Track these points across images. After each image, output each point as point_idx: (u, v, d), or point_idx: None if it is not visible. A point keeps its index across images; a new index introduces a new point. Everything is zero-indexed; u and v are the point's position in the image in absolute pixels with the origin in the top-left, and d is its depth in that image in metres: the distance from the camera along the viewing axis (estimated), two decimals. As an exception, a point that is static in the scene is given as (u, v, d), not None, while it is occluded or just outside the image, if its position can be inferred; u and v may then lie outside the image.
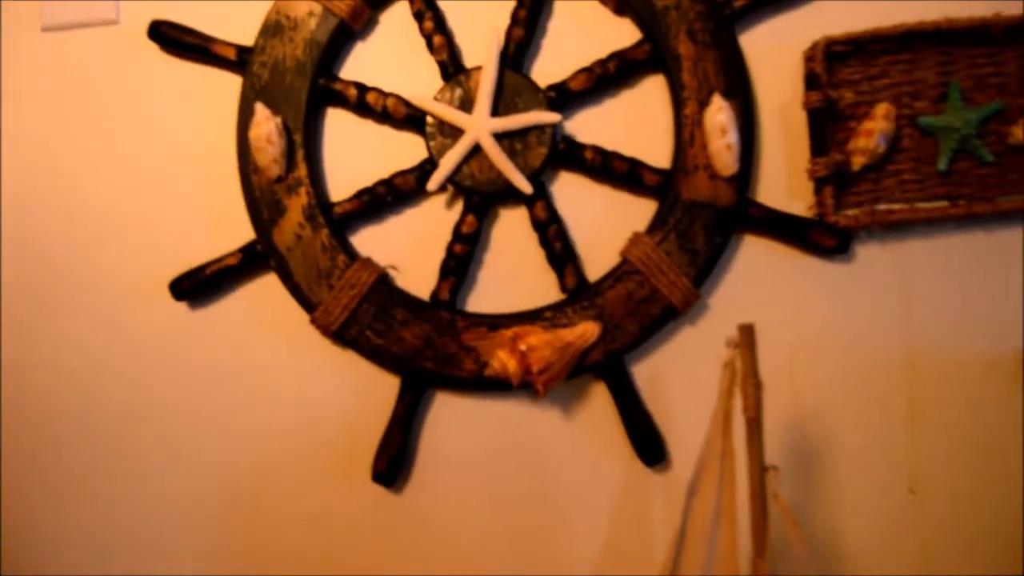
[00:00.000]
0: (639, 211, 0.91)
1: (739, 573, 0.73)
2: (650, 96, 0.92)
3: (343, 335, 0.90)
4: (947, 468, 0.94)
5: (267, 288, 0.93)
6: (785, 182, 0.92)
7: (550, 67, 0.92)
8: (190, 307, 0.95)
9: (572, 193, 0.92)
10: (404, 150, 0.92)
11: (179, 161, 0.96)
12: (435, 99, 0.90)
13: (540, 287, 0.91)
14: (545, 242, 0.89)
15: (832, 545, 0.94)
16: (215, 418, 0.94)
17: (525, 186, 0.88)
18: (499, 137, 0.88)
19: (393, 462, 0.91)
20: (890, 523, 0.94)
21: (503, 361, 0.85)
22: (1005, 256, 0.91)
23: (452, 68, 0.90)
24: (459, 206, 0.92)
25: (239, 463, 0.94)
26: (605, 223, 0.91)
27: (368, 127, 0.94)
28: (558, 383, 0.87)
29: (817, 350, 0.92)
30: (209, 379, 0.94)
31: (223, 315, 0.94)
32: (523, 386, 0.87)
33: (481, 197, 0.90)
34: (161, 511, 0.95)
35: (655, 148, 0.91)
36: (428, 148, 0.90)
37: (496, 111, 0.89)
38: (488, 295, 0.92)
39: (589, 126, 0.92)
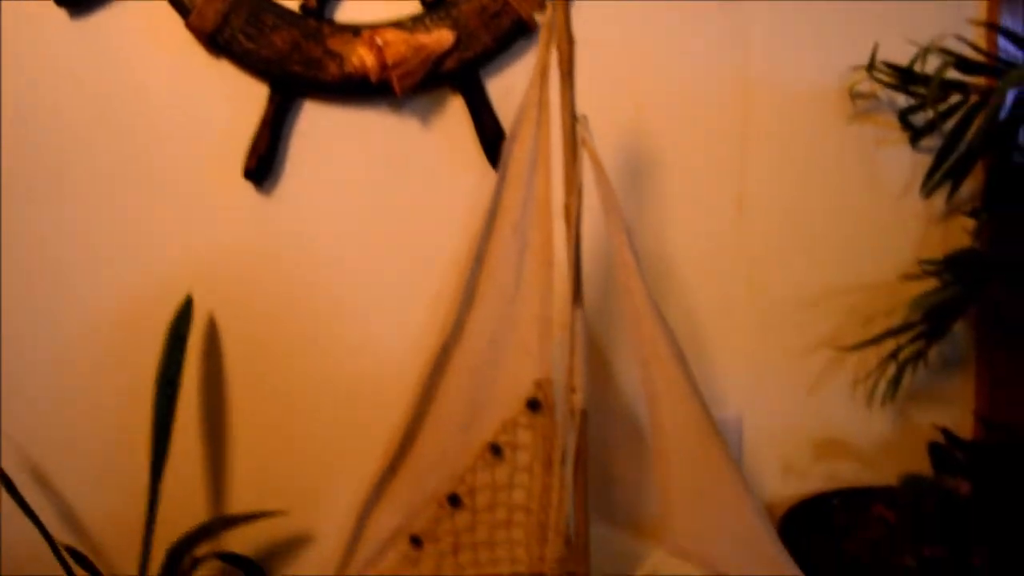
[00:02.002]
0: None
1: (551, 215, 0.81)
2: None
3: (216, 39, 0.96)
4: (774, 190, 1.03)
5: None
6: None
7: None
8: (71, 16, 0.99)
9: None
10: None
11: None
12: None
13: (407, 5, 0.98)
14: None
15: (660, 258, 1.03)
16: (94, 122, 1.00)
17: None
18: None
19: (263, 160, 0.98)
20: (717, 240, 1.03)
21: (361, 56, 0.93)
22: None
23: None
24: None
25: (121, 162, 1.01)
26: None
27: None
28: (413, 82, 0.94)
29: (658, 74, 1.01)
30: (89, 87, 1.00)
31: (104, 24, 0.99)
32: (382, 89, 0.94)
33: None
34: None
35: None
36: None
37: None
38: (355, 8, 0.99)
39: None
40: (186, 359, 0.99)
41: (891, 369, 0.99)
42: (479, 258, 0.81)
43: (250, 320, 1.03)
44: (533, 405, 0.84)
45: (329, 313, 1.03)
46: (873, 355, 1.03)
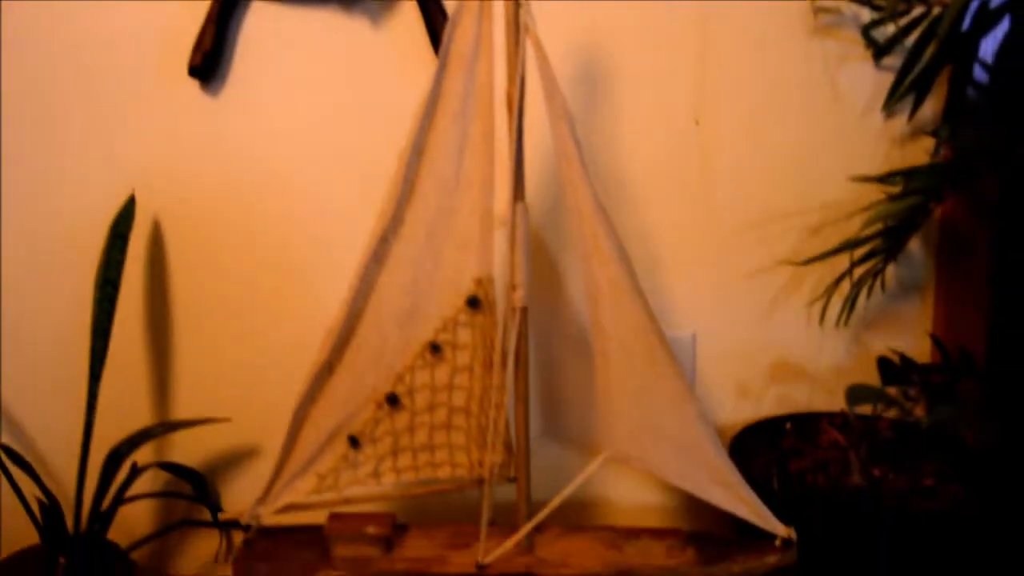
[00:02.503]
0: None
1: (493, 106, 0.79)
2: None
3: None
4: (733, 106, 1.01)
5: None
6: None
7: None
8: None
9: None
10: None
11: None
12: None
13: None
14: None
15: (614, 174, 1.01)
16: (32, 19, 0.98)
17: None
18: None
19: (208, 57, 0.95)
20: (674, 156, 1.01)
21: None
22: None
23: None
24: None
25: (62, 60, 0.98)
26: None
27: None
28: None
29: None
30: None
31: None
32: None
33: None
34: None
35: None
36: None
37: None
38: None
39: None
40: (131, 265, 0.98)
41: (846, 288, 0.98)
42: (418, 148, 0.79)
43: (197, 224, 1.01)
44: (473, 303, 0.82)
45: (279, 216, 1.01)
46: (831, 278, 1.01)
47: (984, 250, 1.03)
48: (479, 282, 0.82)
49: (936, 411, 0.81)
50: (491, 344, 0.83)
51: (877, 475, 0.93)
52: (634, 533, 0.88)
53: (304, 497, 0.86)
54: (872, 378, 0.99)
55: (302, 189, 1.00)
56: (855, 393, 0.83)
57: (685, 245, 1.03)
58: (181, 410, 1.04)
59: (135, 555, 0.97)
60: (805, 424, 1.05)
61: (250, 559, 0.88)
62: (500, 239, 0.81)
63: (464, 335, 0.83)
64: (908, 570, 0.87)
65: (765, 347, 1.06)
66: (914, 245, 1.05)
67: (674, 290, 1.04)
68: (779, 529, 0.85)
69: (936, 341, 0.96)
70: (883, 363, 0.88)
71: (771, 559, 0.85)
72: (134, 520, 1.04)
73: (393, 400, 0.84)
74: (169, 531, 1.01)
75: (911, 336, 1.06)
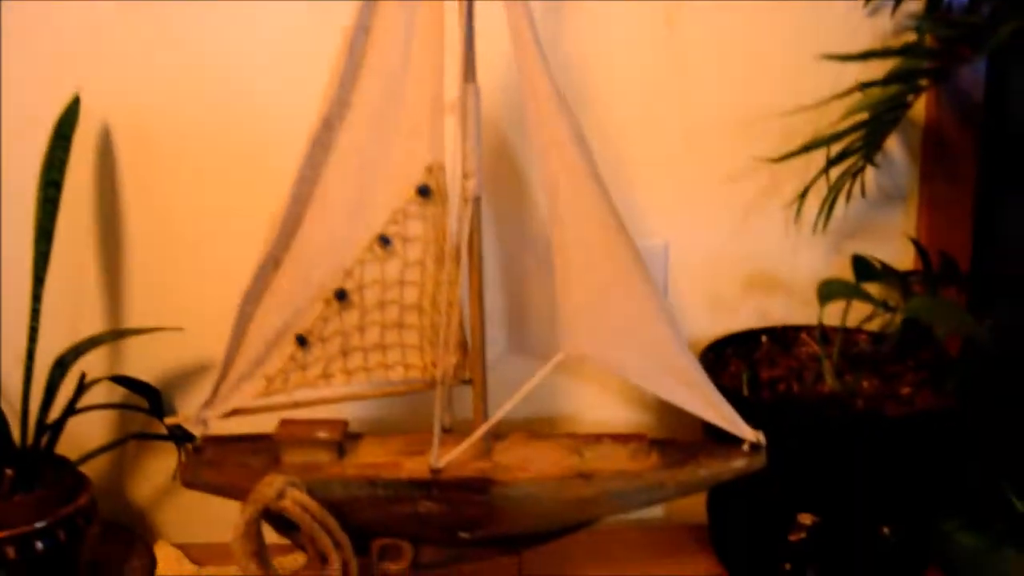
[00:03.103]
0: None
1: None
2: None
3: None
4: (703, 7, 0.96)
5: None
6: None
7: None
8: None
9: None
10: None
11: None
12: None
13: None
14: None
15: (581, 74, 0.96)
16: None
17: None
18: None
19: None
20: (644, 55, 0.97)
21: None
22: None
23: None
24: None
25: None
26: None
27: None
28: None
29: None
30: None
31: None
32: None
33: None
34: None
35: None
36: None
37: None
38: None
39: None
40: (80, 168, 0.94)
41: (825, 191, 0.93)
42: (364, 27, 0.75)
43: (149, 129, 0.97)
44: (423, 192, 0.78)
45: (235, 122, 0.97)
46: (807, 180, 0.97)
47: (969, 155, 0.98)
48: (430, 170, 0.78)
49: (911, 305, 0.77)
50: (443, 237, 0.79)
51: (851, 381, 0.89)
52: (596, 438, 0.84)
53: (252, 401, 0.83)
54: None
55: (263, 96, 0.96)
56: (827, 288, 0.78)
57: (657, 149, 0.99)
58: (134, 321, 1.01)
59: (87, 470, 0.94)
60: (782, 337, 1.01)
61: (197, 465, 0.85)
62: (453, 127, 0.77)
63: (415, 227, 0.79)
64: (880, 475, 0.84)
65: (741, 257, 1.02)
66: (896, 151, 1.01)
67: (645, 197, 1.00)
68: (747, 433, 0.82)
69: (917, 245, 0.92)
70: (858, 261, 0.84)
71: (738, 463, 0.82)
72: (88, 436, 1.01)
73: (342, 296, 0.80)
74: (118, 444, 0.98)
75: (893, 246, 1.02)
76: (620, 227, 0.77)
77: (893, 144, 1.00)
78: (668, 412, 1.01)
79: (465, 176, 0.77)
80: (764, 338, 1.00)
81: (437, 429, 0.81)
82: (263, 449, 0.86)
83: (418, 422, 0.86)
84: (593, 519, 0.84)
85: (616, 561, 0.98)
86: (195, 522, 1.03)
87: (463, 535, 0.83)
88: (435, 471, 0.81)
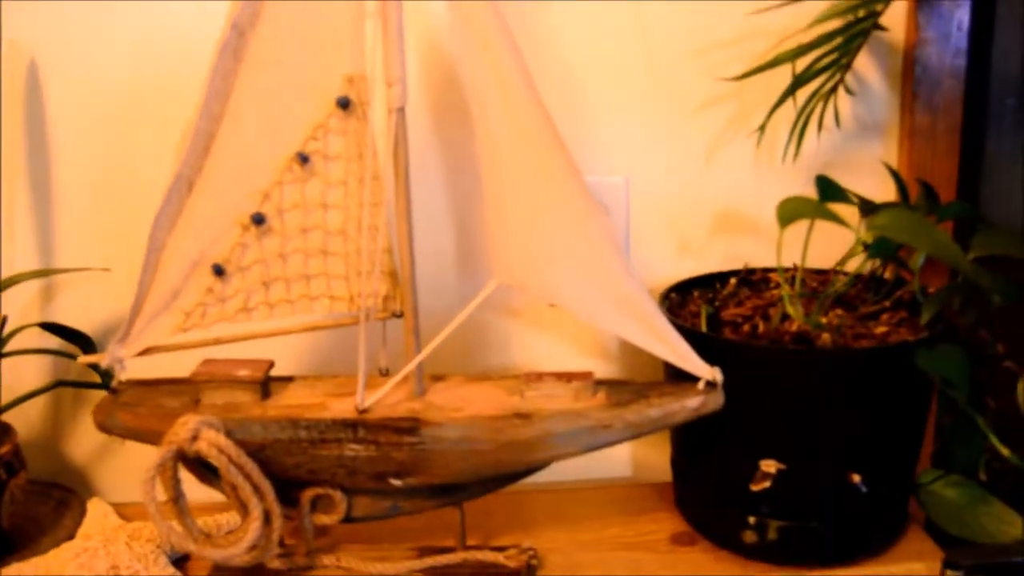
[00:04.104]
0: None
1: None
2: None
3: None
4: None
5: None
6: None
7: None
8: None
9: None
10: None
11: None
12: None
13: None
14: None
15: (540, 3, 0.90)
16: None
17: None
18: None
19: None
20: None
21: None
22: None
23: None
24: None
25: None
26: None
27: None
28: None
29: None
30: None
31: None
32: None
33: None
34: None
35: None
36: None
37: None
38: None
39: None
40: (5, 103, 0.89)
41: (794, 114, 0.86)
42: (274, -79, 0.69)
43: (78, 65, 0.91)
44: (344, 104, 0.72)
45: (167, 59, 0.91)
46: (783, 113, 0.90)
47: (955, 83, 0.91)
48: (350, 80, 0.72)
49: (878, 220, 0.70)
50: (368, 154, 0.73)
51: (823, 321, 0.82)
52: (538, 377, 0.77)
53: (169, 337, 0.77)
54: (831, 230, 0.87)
55: (197, 32, 0.90)
56: (788, 208, 0.71)
57: (614, 76, 0.92)
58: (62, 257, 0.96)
59: (20, 425, 0.89)
60: (753, 282, 0.94)
61: (112, 408, 0.79)
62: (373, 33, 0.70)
63: (336, 144, 0.73)
64: (848, 417, 0.77)
65: (708, 194, 0.95)
66: (874, 79, 0.94)
67: (603, 129, 0.93)
68: (702, 370, 0.75)
69: (892, 172, 0.84)
70: (821, 180, 0.77)
71: (692, 402, 0.75)
72: (20, 388, 0.96)
73: (259, 220, 0.74)
74: (44, 391, 0.92)
75: (872, 181, 0.95)
76: (557, 143, 0.70)
77: (870, 71, 0.93)
78: (633, 362, 0.94)
79: (388, 84, 0.71)
80: (732, 280, 0.92)
81: (362, 367, 0.75)
82: (184, 391, 0.80)
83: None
84: (536, 465, 0.77)
85: (574, 520, 0.91)
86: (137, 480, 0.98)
87: (394, 482, 0.77)
88: (361, 411, 0.75)
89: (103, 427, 0.79)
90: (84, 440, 1.01)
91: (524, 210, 0.72)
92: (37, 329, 0.92)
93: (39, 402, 0.97)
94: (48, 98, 0.92)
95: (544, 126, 0.70)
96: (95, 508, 0.93)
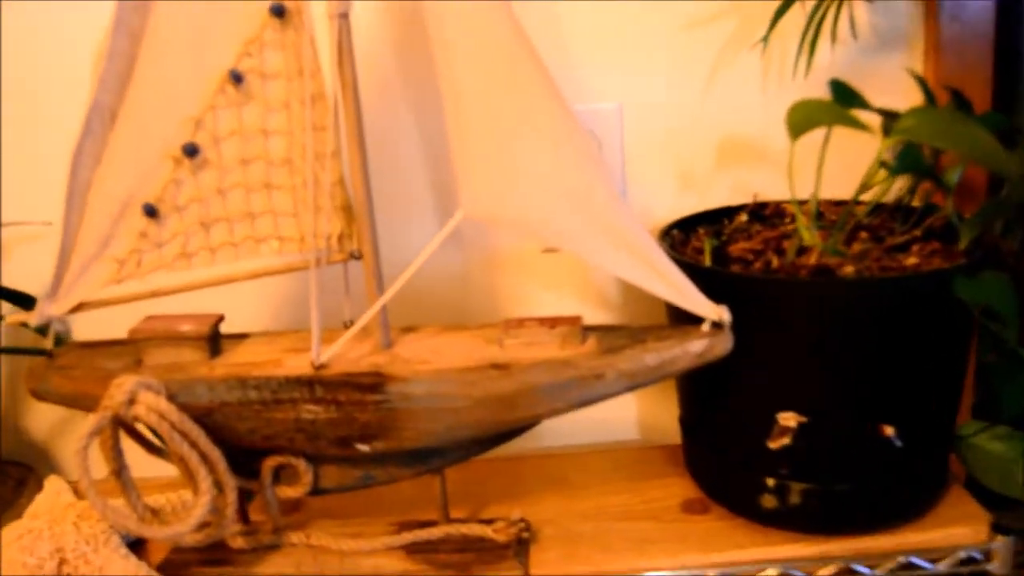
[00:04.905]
0: None
1: None
2: None
3: None
4: None
5: None
6: None
7: None
8: None
9: None
10: None
11: None
12: None
13: None
14: None
15: None
16: None
17: None
18: None
19: None
20: None
21: None
22: None
23: None
24: None
25: None
26: None
27: None
28: None
29: None
30: None
31: None
32: None
33: None
34: None
35: None
36: None
37: None
38: None
39: None
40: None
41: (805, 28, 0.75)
42: None
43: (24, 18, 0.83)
44: (278, 12, 0.63)
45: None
46: (792, 27, 0.79)
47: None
48: (285, -15, 0.62)
49: (904, 123, 0.59)
50: (310, 71, 0.63)
51: (845, 252, 0.72)
52: (519, 323, 0.68)
53: (102, 290, 0.68)
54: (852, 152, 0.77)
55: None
56: (800, 113, 0.60)
57: (601, -8, 0.82)
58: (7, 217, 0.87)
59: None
60: (766, 216, 0.83)
61: (47, 372, 0.70)
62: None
63: (274, 60, 0.64)
64: (878, 359, 0.66)
65: (710, 120, 0.85)
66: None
67: (590, 50, 0.83)
68: (706, 309, 0.65)
69: (920, 81, 0.73)
70: (836, 84, 0.66)
71: (696, 346, 0.65)
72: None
73: (192, 152, 0.65)
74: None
75: (894, 98, 0.83)
76: (525, 51, 0.61)
77: (890, -26, 0.82)
78: (636, 311, 0.85)
79: (327, -12, 0.61)
80: (742, 215, 0.82)
81: (315, 316, 0.66)
82: (127, 352, 0.71)
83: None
84: (520, 424, 0.68)
85: (573, 488, 0.82)
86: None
87: (361, 448, 0.68)
88: (318, 367, 0.66)
89: (36, 393, 0.71)
90: (45, 414, 0.93)
91: (489, 131, 0.62)
92: (-18, 295, 0.84)
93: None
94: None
95: (509, 32, 0.60)
96: (50, 486, 0.85)
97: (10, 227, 0.86)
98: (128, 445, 0.68)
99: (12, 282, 0.87)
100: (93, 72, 0.63)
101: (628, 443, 0.92)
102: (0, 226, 0.86)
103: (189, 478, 0.68)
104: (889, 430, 0.68)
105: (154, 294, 0.69)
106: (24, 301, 0.84)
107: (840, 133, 0.62)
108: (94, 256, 0.68)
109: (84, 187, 0.66)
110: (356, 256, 0.68)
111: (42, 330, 0.70)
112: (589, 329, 0.68)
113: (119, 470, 0.68)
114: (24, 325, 0.71)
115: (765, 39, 0.78)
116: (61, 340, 0.72)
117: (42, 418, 0.93)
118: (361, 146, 0.65)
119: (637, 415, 0.92)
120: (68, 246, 0.67)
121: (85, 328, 0.87)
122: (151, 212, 0.66)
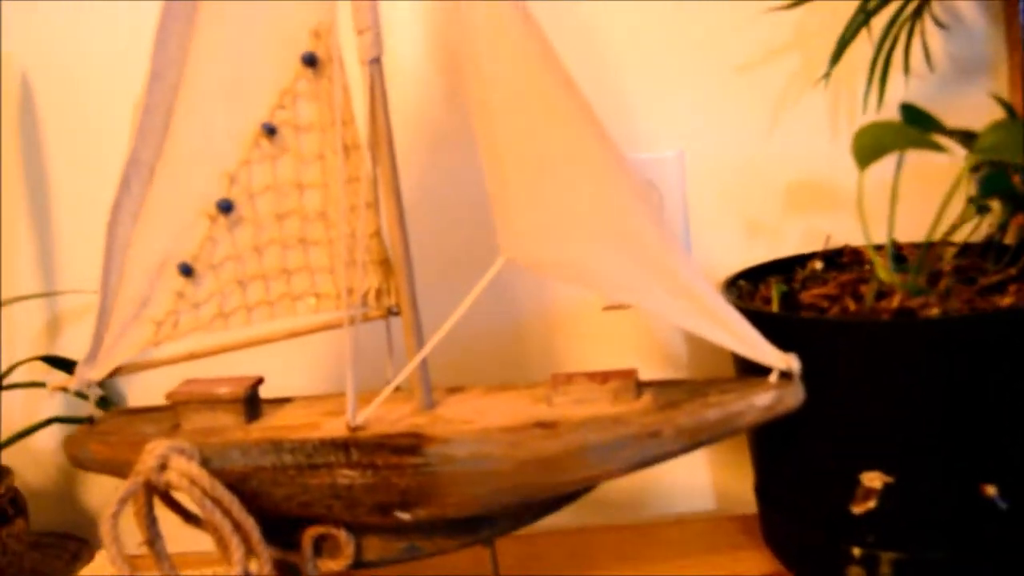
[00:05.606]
0: None
1: None
2: None
3: None
4: None
5: None
6: None
7: None
8: None
9: None
10: None
11: None
12: None
13: None
14: None
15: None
16: None
17: None
18: None
19: None
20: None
21: None
22: None
23: None
24: None
25: None
26: None
27: None
28: None
29: None
30: None
31: None
32: None
33: None
34: None
35: None
36: None
37: None
38: None
39: None
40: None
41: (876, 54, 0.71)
42: None
43: (73, 85, 0.85)
44: (309, 60, 0.61)
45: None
46: (856, 57, 0.74)
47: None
48: (316, 34, 0.61)
49: (984, 140, 0.53)
50: (343, 120, 0.61)
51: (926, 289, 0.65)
52: (568, 379, 0.63)
53: (140, 352, 0.67)
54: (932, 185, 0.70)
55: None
56: (867, 137, 0.55)
57: (658, 34, 0.79)
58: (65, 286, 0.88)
59: (18, 464, 0.81)
60: (843, 264, 0.77)
61: (85, 438, 0.69)
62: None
63: (307, 111, 0.62)
64: (975, 408, 0.59)
65: (778, 163, 0.80)
66: (969, 11, 0.77)
67: (647, 97, 0.79)
68: (774, 359, 0.59)
69: (1005, 106, 0.67)
70: (906, 107, 0.61)
71: (763, 399, 0.59)
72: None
73: (227, 208, 0.63)
74: (38, 428, 0.83)
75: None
76: (564, 79, 0.57)
77: (965, 4, 0.76)
78: (703, 368, 0.79)
79: (358, 32, 0.60)
80: (818, 262, 0.76)
81: (350, 375, 0.62)
82: (165, 417, 0.69)
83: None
84: (571, 488, 0.62)
85: (641, 562, 0.76)
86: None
87: (401, 515, 0.63)
88: (353, 429, 0.62)
89: (75, 460, 0.69)
90: (102, 486, 0.92)
91: (527, 169, 0.59)
92: (41, 364, 0.84)
93: (48, 446, 0.89)
94: (41, 114, 0.86)
95: (546, 59, 0.57)
96: (99, 559, 0.83)
97: (67, 295, 0.86)
98: (167, 517, 0.65)
99: (72, 352, 0.87)
100: (131, 124, 0.62)
101: (702, 514, 0.85)
102: (56, 295, 0.86)
103: (223, 549, 0.65)
104: (991, 490, 0.60)
105: (191, 356, 0.67)
106: (69, 367, 0.83)
107: (913, 165, 0.56)
108: (132, 317, 0.66)
109: (122, 246, 0.65)
110: (394, 312, 0.64)
111: (82, 395, 0.68)
112: (646, 384, 0.63)
113: (152, 540, 0.65)
114: (64, 390, 0.69)
115: (827, 75, 0.73)
116: (108, 404, 0.70)
117: (98, 490, 0.92)
118: (397, 196, 0.62)
119: (711, 482, 0.85)
120: (107, 307, 0.66)
121: (142, 393, 0.86)
122: (187, 271, 0.64)
